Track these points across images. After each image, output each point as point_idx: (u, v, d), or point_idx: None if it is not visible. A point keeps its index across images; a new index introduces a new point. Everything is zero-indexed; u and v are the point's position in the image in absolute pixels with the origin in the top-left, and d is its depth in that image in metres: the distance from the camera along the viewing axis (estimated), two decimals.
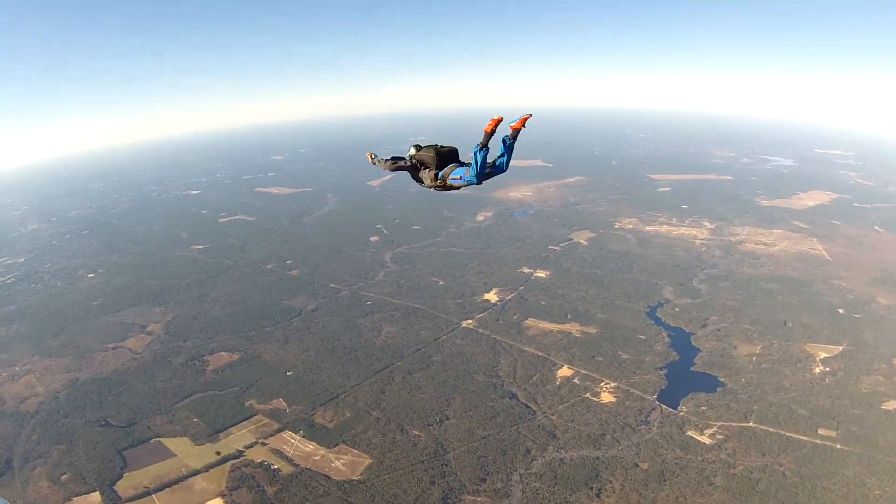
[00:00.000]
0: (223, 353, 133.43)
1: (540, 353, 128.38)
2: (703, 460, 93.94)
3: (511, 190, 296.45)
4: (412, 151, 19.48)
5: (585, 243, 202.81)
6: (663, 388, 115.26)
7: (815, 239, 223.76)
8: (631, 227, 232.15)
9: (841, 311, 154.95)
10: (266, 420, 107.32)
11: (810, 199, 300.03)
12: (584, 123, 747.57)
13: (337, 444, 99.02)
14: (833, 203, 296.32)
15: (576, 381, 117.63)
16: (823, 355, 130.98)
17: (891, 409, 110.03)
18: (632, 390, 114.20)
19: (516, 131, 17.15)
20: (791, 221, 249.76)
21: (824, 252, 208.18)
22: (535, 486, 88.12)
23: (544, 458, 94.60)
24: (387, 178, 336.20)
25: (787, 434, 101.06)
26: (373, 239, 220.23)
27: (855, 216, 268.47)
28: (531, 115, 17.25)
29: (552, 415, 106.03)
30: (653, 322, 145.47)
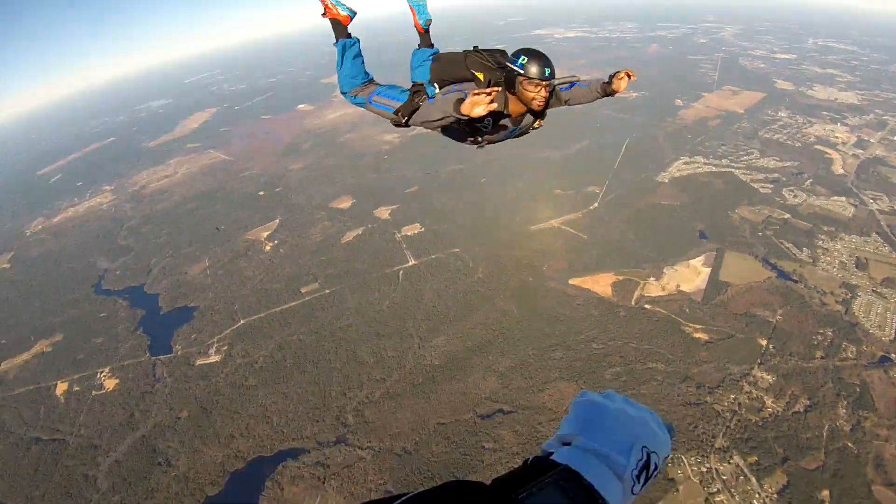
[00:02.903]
0: None
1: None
2: (226, 374, 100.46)
3: None
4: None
5: (8, 266, 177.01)
6: (150, 343, 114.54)
7: (212, 150, 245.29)
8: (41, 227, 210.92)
9: (262, 193, 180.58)
10: None
11: (193, 122, 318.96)
12: None
13: None
14: (216, 115, 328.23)
15: (75, 388, 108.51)
16: (265, 234, 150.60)
17: (350, 239, 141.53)
18: (125, 363, 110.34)
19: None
20: (184, 146, 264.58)
21: (225, 156, 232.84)
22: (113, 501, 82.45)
23: (101, 470, 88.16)
24: None
25: (279, 309, 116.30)
26: None
27: (241, 117, 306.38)
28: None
29: (76, 433, 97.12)
30: (103, 296, 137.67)
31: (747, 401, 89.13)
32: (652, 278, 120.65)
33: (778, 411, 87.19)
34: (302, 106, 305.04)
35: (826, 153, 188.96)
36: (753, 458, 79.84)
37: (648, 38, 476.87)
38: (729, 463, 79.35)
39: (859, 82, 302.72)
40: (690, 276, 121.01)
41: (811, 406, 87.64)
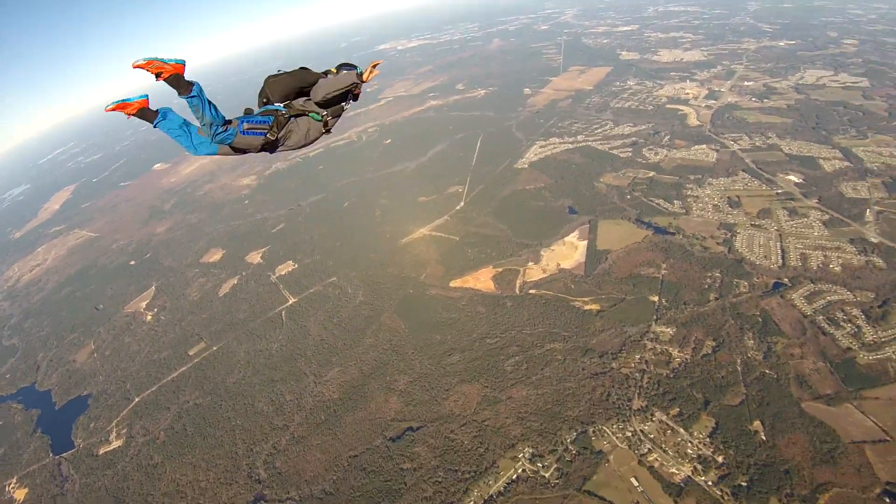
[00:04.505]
0: None
1: None
2: (130, 457, 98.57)
3: None
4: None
5: None
6: (51, 443, 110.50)
7: (77, 229, 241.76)
8: None
9: (132, 262, 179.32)
10: None
11: (55, 204, 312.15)
12: None
13: None
14: (76, 192, 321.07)
15: None
16: (144, 304, 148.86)
17: (227, 290, 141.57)
18: (31, 469, 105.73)
19: None
20: (49, 231, 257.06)
21: (91, 233, 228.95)
22: None
23: None
24: None
25: (171, 377, 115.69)
26: None
27: (100, 189, 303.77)
28: None
29: None
30: None
31: (653, 357, 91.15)
32: (531, 263, 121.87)
33: (686, 359, 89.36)
34: (157, 165, 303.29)
35: (680, 109, 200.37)
36: (675, 410, 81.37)
37: (490, 34, 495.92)
38: (652, 421, 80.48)
39: (703, 39, 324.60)
40: (568, 252, 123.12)
41: (718, 346, 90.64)
